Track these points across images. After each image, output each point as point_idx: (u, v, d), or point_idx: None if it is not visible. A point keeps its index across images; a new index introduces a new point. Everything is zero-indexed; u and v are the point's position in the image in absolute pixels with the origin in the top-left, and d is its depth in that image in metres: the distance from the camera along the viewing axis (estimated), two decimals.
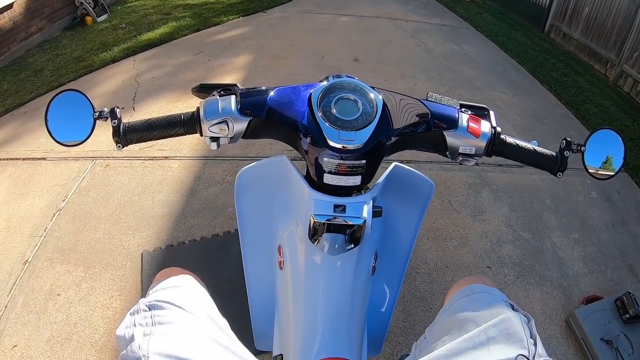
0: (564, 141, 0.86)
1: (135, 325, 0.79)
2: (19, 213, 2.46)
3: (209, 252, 2.17)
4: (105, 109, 0.84)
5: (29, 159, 2.87)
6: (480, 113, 0.89)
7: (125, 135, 0.85)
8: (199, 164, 2.79)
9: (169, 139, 0.88)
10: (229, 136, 0.82)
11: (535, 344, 0.75)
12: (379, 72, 4.14)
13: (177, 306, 0.82)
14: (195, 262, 2.12)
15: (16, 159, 2.89)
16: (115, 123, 0.84)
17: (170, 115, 0.84)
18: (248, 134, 0.83)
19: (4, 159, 2.92)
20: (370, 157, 0.77)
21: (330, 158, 0.76)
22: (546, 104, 3.95)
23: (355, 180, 0.79)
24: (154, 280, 0.97)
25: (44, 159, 2.85)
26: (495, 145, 0.84)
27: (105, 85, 3.84)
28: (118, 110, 0.84)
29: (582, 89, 4.31)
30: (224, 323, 0.91)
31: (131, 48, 4.50)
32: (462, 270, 2.17)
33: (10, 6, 4.39)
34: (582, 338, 1.85)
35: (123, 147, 0.86)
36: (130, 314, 0.82)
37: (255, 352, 1.33)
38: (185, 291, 0.89)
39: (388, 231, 1.00)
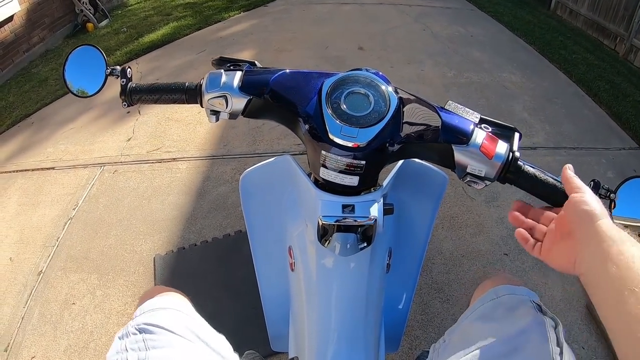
0: (592, 182, 0.70)
1: (127, 350, 0.77)
2: (31, 224, 2.46)
3: (222, 253, 2.14)
4: (118, 67, 0.86)
5: (38, 169, 2.87)
6: (504, 133, 0.77)
7: (131, 95, 0.87)
8: (207, 164, 2.76)
9: (174, 104, 0.89)
10: (227, 111, 0.81)
11: (561, 353, 0.70)
12: (384, 60, 4.08)
13: (167, 330, 0.80)
14: (208, 263, 2.10)
15: (25, 170, 2.90)
16: (123, 82, 0.86)
17: (176, 82, 0.85)
18: (247, 112, 0.81)
19: (14, 171, 2.92)
20: (371, 159, 0.72)
21: (328, 152, 0.72)
22: (557, 83, 3.86)
23: (352, 180, 0.74)
24: (139, 300, 0.95)
25: (53, 168, 2.85)
26: (510, 173, 0.72)
27: (109, 91, 3.75)
28: (129, 70, 0.87)
29: (592, 66, 4.20)
30: (217, 341, 0.89)
31: (134, 51, 4.48)
32: (479, 259, 2.12)
33: (10, 18, 4.38)
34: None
35: (128, 105, 0.88)
36: (120, 338, 0.80)
37: (272, 353, 1.32)
38: (172, 313, 0.86)
39: (402, 227, 0.97)
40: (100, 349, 1.81)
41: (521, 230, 0.69)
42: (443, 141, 0.73)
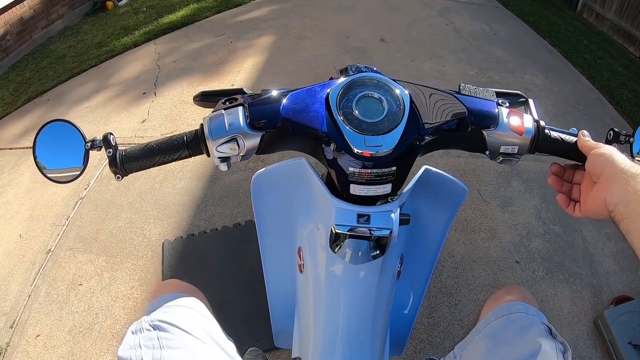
0: (611, 132, 0.75)
1: (140, 346, 0.75)
2: (42, 202, 2.46)
3: (231, 242, 2.11)
4: (98, 137, 0.74)
5: None
6: (515, 100, 0.80)
7: (124, 165, 0.74)
8: None
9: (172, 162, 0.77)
10: (241, 154, 0.72)
11: None
12: (406, 53, 3.99)
13: (181, 329, 0.78)
14: (217, 252, 2.07)
15: None
16: (110, 152, 0.73)
17: (172, 136, 0.74)
18: (262, 149, 0.73)
19: (28, 147, 2.91)
20: (401, 162, 0.69)
21: (356, 167, 0.67)
22: (579, 88, 3.75)
23: (386, 189, 0.70)
24: (154, 292, 0.93)
25: None
26: (540, 142, 0.73)
27: (126, 70, 3.80)
28: (112, 137, 0.74)
29: (616, 73, 4.07)
30: (230, 346, 0.87)
31: (152, 32, 4.44)
32: (490, 265, 2.06)
33: None
34: (609, 341, 1.74)
35: (122, 177, 0.75)
36: (133, 333, 0.79)
37: (274, 348, 1.30)
38: (188, 312, 0.84)
39: (415, 234, 0.93)
40: (105, 331, 1.80)
41: (562, 195, 0.75)
42: (473, 129, 0.72)
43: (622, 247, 2.22)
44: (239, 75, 3.49)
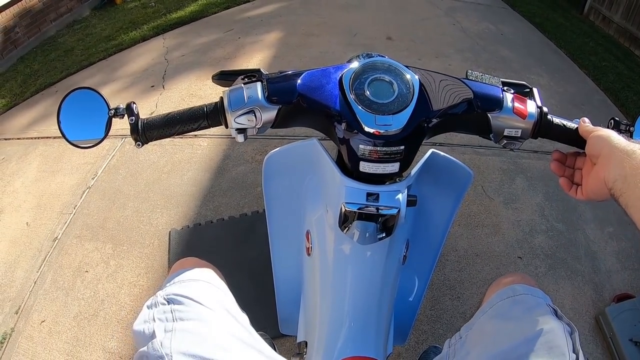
0: (611, 121, 0.78)
1: (154, 320, 0.75)
2: (50, 191, 2.47)
3: (237, 232, 2.12)
4: (121, 106, 0.77)
5: (59, 137, 2.82)
6: (521, 91, 0.81)
7: (145, 133, 0.77)
8: (229, 143, 2.73)
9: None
10: (257, 126, 0.76)
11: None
12: (413, 51, 4.00)
13: (196, 302, 0.78)
14: (223, 241, 2.07)
15: (47, 137, 2.90)
16: (132, 120, 0.76)
17: (192, 107, 0.77)
18: (277, 122, 0.77)
19: (36, 138, 2.93)
20: (409, 142, 0.72)
21: (367, 145, 0.70)
22: (584, 89, 3.74)
23: (394, 167, 0.73)
24: (171, 269, 0.93)
25: None
26: (542, 127, 0.76)
27: (135, 64, 3.81)
28: (135, 105, 0.77)
29: (622, 75, 4.06)
30: (244, 318, 0.87)
31: (161, 26, 4.45)
32: (493, 260, 2.06)
33: None
34: (610, 337, 1.75)
35: (143, 144, 0.78)
36: (148, 307, 0.79)
37: (279, 335, 1.30)
38: (203, 285, 0.84)
39: (421, 219, 0.95)
40: (110, 317, 1.81)
41: (564, 179, 0.76)
42: (479, 111, 0.75)
43: (625, 245, 2.22)
44: None
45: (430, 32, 4.46)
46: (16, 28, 4.23)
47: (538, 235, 2.21)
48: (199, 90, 3.24)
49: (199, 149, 2.67)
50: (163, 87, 3.35)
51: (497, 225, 2.26)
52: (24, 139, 2.96)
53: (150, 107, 3.09)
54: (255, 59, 3.68)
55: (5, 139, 3.01)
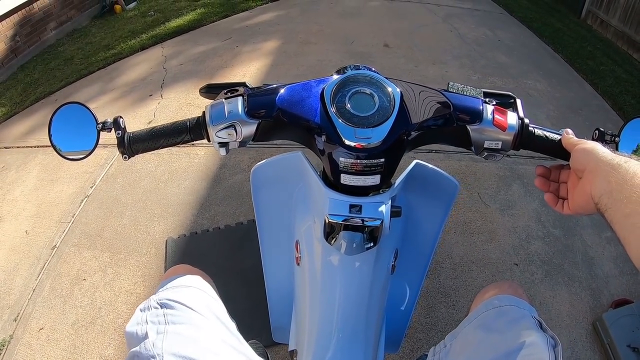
0: (596, 132, 0.77)
1: (147, 322, 0.78)
2: (48, 199, 2.49)
3: (233, 240, 2.14)
4: (109, 120, 0.80)
5: None
6: (505, 101, 0.81)
7: (131, 146, 0.80)
8: None
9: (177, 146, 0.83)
10: (238, 140, 0.77)
11: None
12: (410, 58, 4.03)
13: (188, 307, 0.81)
14: (219, 249, 2.10)
15: (46, 146, 2.93)
16: (119, 134, 0.79)
17: (176, 122, 0.80)
18: (258, 136, 0.78)
19: (35, 146, 2.96)
20: (389, 155, 0.73)
21: (347, 158, 0.72)
22: (582, 94, 3.76)
23: (374, 179, 0.74)
24: (164, 276, 0.96)
25: None
26: (524, 139, 0.76)
27: (133, 73, 3.85)
28: (121, 120, 0.80)
29: (620, 79, 4.07)
30: (233, 326, 0.90)
31: (159, 35, 4.50)
32: (489, 267, 2.07)
33: None
34: (608, 343, 1.74)
35: (129, 157, 0.81)
36: (141, 310, 0.82)
37: (273, 343, 1.32)
38: (195, 292, 0.87)
39: (410, 229, 0.96)
40: (107, 325, 1.83)
41: (549, 194, 0.75)
42: (458, 124, 0.75)
43: (623, 250, 2.20)
44: (244, 78, 3.52)
45: (427, 39, 4.49)
46: (16, 37, 4.28)
47: (534, 242, 2.22)
48: (196, 99, 3.27)
49: (196, 158, 2.70)
50: (161, 96, 3.39)
51: (493, 232, 2.27)
52: (23, 147, 3.00)
53: (148, 116, 3.13)
54: (252, 68, 3.72)
55: (5, 148, 3.04)
